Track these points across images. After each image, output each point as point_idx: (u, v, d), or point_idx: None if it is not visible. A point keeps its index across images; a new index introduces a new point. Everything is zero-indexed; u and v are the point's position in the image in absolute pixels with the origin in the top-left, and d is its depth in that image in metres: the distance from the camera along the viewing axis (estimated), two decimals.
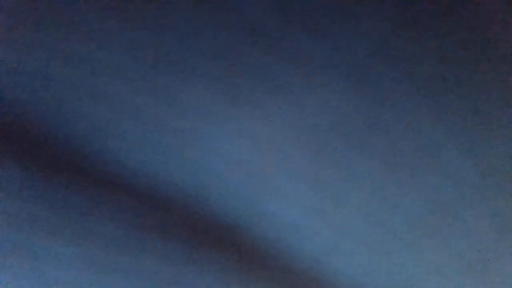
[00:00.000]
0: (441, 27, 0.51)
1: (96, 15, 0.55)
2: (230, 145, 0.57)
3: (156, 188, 0.60)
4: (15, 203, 0.58)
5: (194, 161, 0.58)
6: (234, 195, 0.60)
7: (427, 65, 0.53)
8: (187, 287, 0.61)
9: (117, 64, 0.56)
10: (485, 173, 0.59)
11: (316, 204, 0.61)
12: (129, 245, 0.61)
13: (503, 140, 0.58)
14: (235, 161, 0.59)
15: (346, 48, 0.52)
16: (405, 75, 0.53)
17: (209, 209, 0.60)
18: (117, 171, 0.59)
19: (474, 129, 0.57)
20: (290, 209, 0.61)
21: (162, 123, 0.57)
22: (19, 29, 0.56)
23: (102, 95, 0.57)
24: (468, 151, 0.58)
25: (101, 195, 0.59)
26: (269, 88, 0.54)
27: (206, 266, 0.61)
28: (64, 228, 0.59)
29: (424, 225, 0.62)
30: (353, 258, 0.64)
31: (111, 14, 0.55)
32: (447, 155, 0.58)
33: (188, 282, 0.61)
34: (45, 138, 0.58)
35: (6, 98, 0.57)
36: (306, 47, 0.52)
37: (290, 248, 0.63)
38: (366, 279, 0.66)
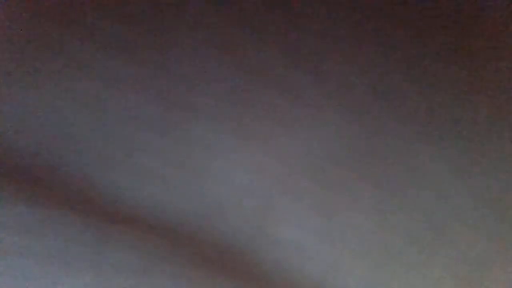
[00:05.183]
0: (431, 66, 0.55)
1: (105, 54, 0.58)
2: (237, 176, 0.61)
3: (168, 217, 0.63)
4: (33, 239, 0.61)
5: (203, 191, 0.62)
6: (243, 220, 0.63)
7: (419, 98, 0.57)
8: None
9: (126, 102, 0.59)
10: (475, 195, 0.63)
11: (319, 226, 0.65)
12: (141, 271, 0.64)
13: (491, 165, 0.62)
14: (242, 190, 0.62)
15: (343, 86, 0.55)
16: (399, 108, 0.58)
17: (218, 235, 0.64)
18: (131, 203, 0.62)
19: (464, 155, 0.62)
20: (295, 232, 0.64)
21: (172, 158, 0.60)
22: (29, 69, 0.58)
23: (113, 132, 0.60)
24: (459, 176, 0.62)
25: (115, 226, 0.62)
26: (272, 123, 0.58)
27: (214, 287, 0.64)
28: (80, 259, 0.62)
29: (420, 243, 0.66)
30: (355, 274, 0.68)
31: (120, 54, 0.58)
32: (440, 179, 0.62)
33: None
34: (59, 177, 0.61)
35: (18, 138, 0.60)
36: (306, 86, 0.55)
37: (295, 268, 0.66)
38: None
